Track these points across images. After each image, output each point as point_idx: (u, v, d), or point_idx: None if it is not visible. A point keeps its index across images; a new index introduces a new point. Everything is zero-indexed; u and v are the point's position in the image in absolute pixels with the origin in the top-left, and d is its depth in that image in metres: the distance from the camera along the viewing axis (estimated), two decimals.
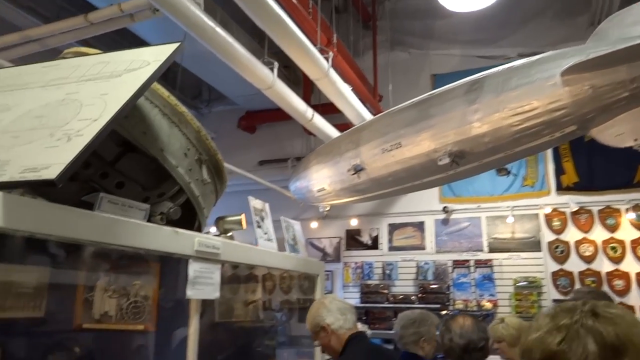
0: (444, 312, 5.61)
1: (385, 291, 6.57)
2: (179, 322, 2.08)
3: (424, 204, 6.74)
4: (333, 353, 2.50)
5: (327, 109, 5.90)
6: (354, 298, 6.54)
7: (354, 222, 7.12)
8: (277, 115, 7.51)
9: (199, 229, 2.15)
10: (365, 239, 7.08)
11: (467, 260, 6.31)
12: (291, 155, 7.47)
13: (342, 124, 5.65)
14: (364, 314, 6.34)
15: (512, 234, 6.18)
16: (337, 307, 2.53)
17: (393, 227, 6.96)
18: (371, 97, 6.07)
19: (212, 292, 2.09)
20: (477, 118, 2.84)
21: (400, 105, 3.65)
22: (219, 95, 7.82)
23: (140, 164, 2.10)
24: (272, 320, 5.01)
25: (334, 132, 5.39)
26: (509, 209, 6.22)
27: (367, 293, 6.63)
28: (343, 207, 7.10)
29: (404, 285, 6.62)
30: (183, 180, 1.94)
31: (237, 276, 4.06)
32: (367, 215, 7.14)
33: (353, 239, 7.14)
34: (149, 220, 1.80)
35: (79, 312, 2.05)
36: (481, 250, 6.32)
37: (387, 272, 6.70)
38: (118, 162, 2.03)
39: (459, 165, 3.02)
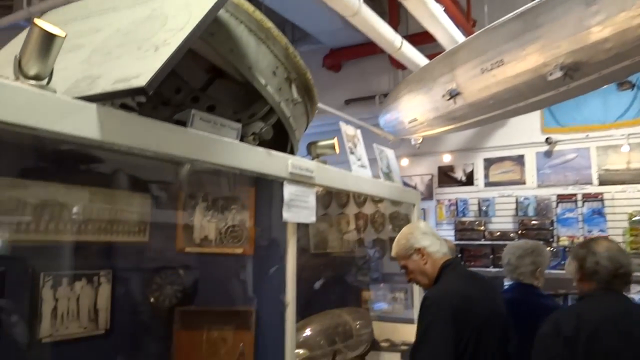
0: (548, 249, 5.28)
1: (482, 228, 6.31)
2: (276, 247, 2.05)
3: (524, 136, 6.28)
4: (425, 279, 2.35)
5: (416, 40, 5.55)
6: (448, 235, 6.35)
7: (446, 158, 6.81)
8: (363, 50, 7.23)
9: (292, 153, 2.08)
10: (459, 175, 6.78)
11: (574, 194, 5.84)
12: (378, 92, 7.22)
13: (433, 55, 5.30)
14: (460, 252, 6.15)
15: (628, 165, 5.59)
16: (431, 231, 2.37)
17: (489, 162, 6.57)
18: (464, 21, 5.60)
19: (308, 216, 2.04)
20: (597, 21, 2.46)
21: (501, 19, 3.28)
22: (303, 34, 7.65)
23: (229, 90, 2.05)
24: (365, 256, 5.02)
25: (424, 62, 5.07)
26: (625, 137, 5.60)
27: (462, 230, 6.41)
28: (434, 143, 6.81)
29: (502, 222, 6.30)
30: (273, 99, 1.86)
31: (330, 215, 4.05)
32: (461, 150, 6.80)
33: (446, 176, 6.86)
34: (241, 142, 1.75)
35: (181, 236, 2.10)
36: (590, 183, 5.81)
37: (483, 208, 6.40)
38: (207, 89, 1.99)
39: (572, 80, 2.67)
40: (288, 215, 1.91)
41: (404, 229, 2.42)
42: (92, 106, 1.23)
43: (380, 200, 6.19)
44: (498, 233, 6.25)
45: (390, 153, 3.04)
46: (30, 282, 1.78)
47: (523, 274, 2.82)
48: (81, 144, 1.27)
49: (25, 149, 1.75)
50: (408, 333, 3.23)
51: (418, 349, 2.11)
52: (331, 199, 5.43)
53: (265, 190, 2.05)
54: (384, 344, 3.02)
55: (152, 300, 2.02)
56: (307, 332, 2.31)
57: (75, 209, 1.89)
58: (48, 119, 1.14)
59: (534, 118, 6.16)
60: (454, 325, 2.09)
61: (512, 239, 5.99)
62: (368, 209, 6.27)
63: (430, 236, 2.33)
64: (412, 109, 4.26)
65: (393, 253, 2.40)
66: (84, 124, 1.21)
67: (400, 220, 6.03)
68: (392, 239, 6.75)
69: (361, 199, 6.30)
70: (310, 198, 2.06)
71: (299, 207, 1.99)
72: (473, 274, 2.45)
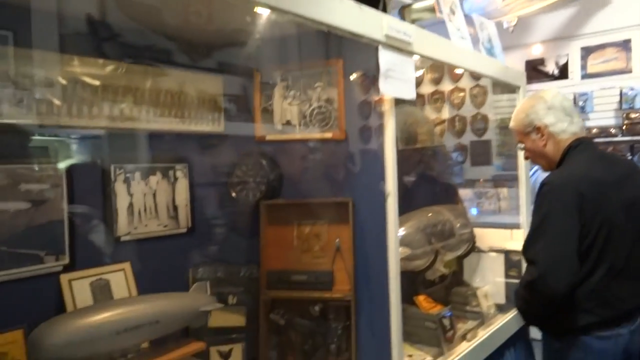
0: None
1: None
2: (370, 129, 1.74)
3: (632, 16, 5.41)
4: (543, 162, 1.99)
5: None
6: None
7: (536, 50, 6.07)
8: None
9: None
10: (551, 68, 6.05)
11: None
12: None
13: None
14: None
15: None
16: (561, 105, 1.92)
17: (587, 51, 5.78)
18: None
19: (408, 90, 1.69)
20: None
21: None
22: None
23: None
24: (449, 159, 4.70)
25: None
26: None
27: None
28: (521, 34, 6.05)
29: (602, 117, 5.62)
30: None
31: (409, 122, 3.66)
32: (553, 40, 6.01)
33: (535, 70, 6.15)
34: None
35: (259, 123, 1.83)
36: None
37: (580, 103, 5.71)
38: None
39: None
40: (386, 87, 1.57)
41: (527, 100, 2.00)
42: None
43: (461, 103, 5.73)
44: (595, 130, 5.61)
45: (491, 26, 2.57)
46: (100, 176, 1.60)
47: None
48: None
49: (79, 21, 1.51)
50: (495, 238, 2.91)
51: (532, 243, 1.78)
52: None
53: (355, 61, 1.71)
54: None
55: (233, 194, 1.81)
56: (405, 229, 2.04)
57: (141, 92, 1.65)
58: None
59: None
60: (579, 216, 1.73)
61: (614, 136, 5.37)
62: (446, 112, 5.82)
63: (558, 111, 1.90)
64: None
65: (510, 126, 2.01)
66: None
67: (482, 122, 5.58)
68: (473, 144, 6.29)
69: (437, 103, 5.85)
70: (409, 69, 1.70)
71: (397, 79, 1.64)
72: (609, 156, 2.02)
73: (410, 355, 1.88)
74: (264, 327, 1.71)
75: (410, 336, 1.91)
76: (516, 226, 2.92)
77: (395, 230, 1.63)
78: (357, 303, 1.65)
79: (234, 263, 1.79)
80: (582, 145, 1.89)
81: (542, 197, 1.80)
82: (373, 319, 1.63)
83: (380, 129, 1.62)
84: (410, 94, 1.69)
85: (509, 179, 5.10)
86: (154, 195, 1.72)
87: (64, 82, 1.46)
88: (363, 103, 1.76)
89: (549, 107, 1.90)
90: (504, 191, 4.78)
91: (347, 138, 1.74)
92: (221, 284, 1.76)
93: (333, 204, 1.68)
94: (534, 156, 1.99)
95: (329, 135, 1.72)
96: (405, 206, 2.35)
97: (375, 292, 1.63)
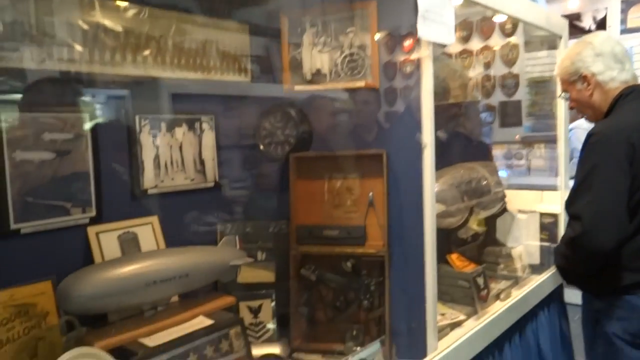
0: None
1: None
2: (406, 76, 1.64)
3: None
4: (589, 111, 1.86)
5: None
6: None
7: (572, 5, 5.78)
8: None
9: None
10: (587, 23, 5.77)
11: None
12: None
13: None
14: None
15: None
16: (611, 51, 1.78)
17: (628, 4, 5.48)
18: None
19: (446, 34, 1.58)
20: None
21: None
22: None
23: None
24: (478, 118, 4.55)
25: None
26: None
27: None
28: None
29: None
30: None
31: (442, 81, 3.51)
32: None
33: (571, 26, 5.83)
34: None
35: (287, 73, 1.74)
36: None
37: None
38: None
39: None
40: (424, 30, 1.46)
41: (573, 45, 1.87)
42: None
43: (491, 61, 5.52)
44: None
45: None
46: (125, 127, 1.54)
47: None
48: None
49: None
50: (525, 200, 2.81)
51: (577, 198, 1.68)
52: None
53: (390, 3, 1.59)
54: None
55: (262, 147, 1.74)
56: (439, 185, 1.95)
57: (164, 40, 1.57)
58: None
59: None
60: (630, 168, 1.61)
61: None
62: (475, 70, 5.59)
63: (607, 58, 1.76)
64: None
65: (555, 73, 1.89)
66: None
67: (512, 79, 5.36)
68: (502, 104, 6.12)
69: (466, 62, 5.62)
70: (447, 11, 1.59)
71: (436, 22, 1.53)
72: None
73: (443, 314, 1.82)
74: (294, 282, 1.66)
75: (442, 295, 1.85)
76: (548, 188, 2.81)
77: (432, 184, 1.55)
78: (390, 259, 1.59)
79: (262, 218, 1.74)
80: (634, 93, 1.76)
81: (590, 148, 1.69)
82: (407, 275, 1.57)
83: (415, 77, 1.52)
84: (449, 38, 1.58)
85: (539, 141, 4.93)
86: (180, 147, 1.66)
87: (86, 27, 1.39)
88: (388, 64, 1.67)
89: (598, 54, 1.77)
90: (541, 149, 4.60)
91: (382, 86, 1.64)
92: (250, 240, 1.71)
93: (366, 156, 1.60)
94: (579, 106, 1.86)
95: (361, 84, 1.62)
96: (438, 162, 2.26)
97: (409, 247, 1.56)
